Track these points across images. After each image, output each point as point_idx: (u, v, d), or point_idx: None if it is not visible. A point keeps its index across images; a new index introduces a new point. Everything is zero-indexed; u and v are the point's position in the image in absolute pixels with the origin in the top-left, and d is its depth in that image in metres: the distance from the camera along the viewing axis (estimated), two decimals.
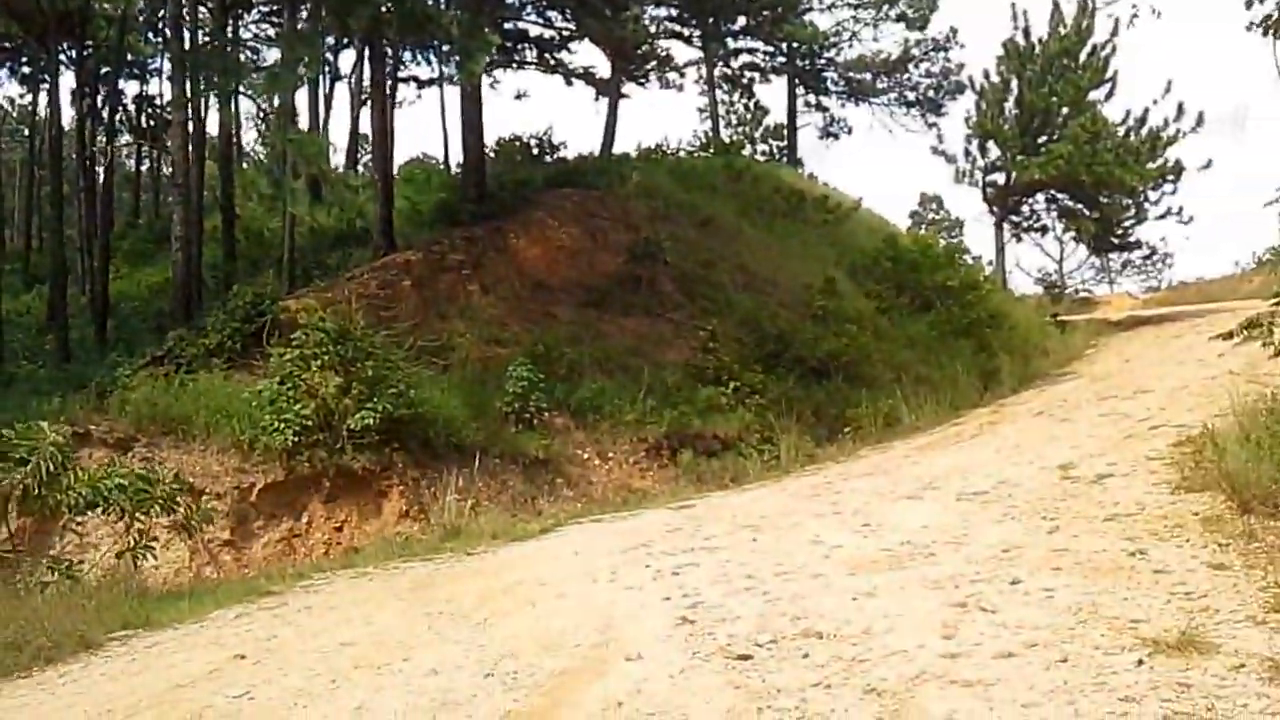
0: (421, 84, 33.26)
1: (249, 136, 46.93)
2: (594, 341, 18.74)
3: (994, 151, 34.05)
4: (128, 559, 9.78)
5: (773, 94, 70.98)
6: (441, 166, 34.92)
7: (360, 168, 36.36)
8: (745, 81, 39.99)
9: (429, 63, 29.86)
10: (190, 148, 23.11)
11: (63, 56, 30.56)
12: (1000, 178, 34.29)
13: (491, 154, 26.97)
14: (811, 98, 38.87)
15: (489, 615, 7.19)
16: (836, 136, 39.77)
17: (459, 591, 8.16)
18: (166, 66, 32.28)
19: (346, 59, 33.29)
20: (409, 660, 6.20)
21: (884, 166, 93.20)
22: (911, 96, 36.86)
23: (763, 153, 41.94)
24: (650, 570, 8.11)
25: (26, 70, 35.59)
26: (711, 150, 34.37)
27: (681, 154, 33.49)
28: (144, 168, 45.53)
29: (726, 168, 29.14)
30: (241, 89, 29.67)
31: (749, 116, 44.62)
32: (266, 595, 8.95)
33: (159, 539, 10.34)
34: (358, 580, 9.51)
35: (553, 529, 11.61)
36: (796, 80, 37.95)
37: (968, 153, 34.80)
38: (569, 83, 31.28)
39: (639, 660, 5.73)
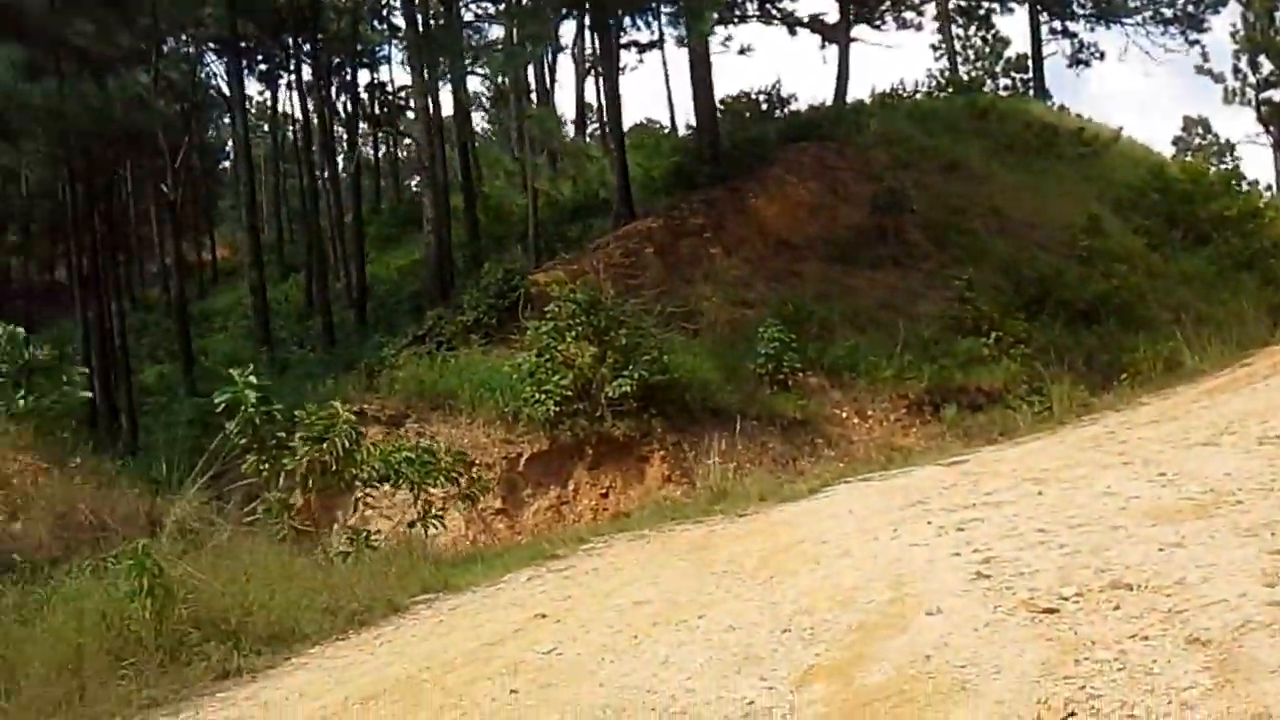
0: (642, 48, 33.38)
1: (475, 116, 48.45)
2: (843, 298, 18.45)
3: (1267, 66, 31.41)
4: (419, 527, 10.27)
5: (1012, 24, 67.50)
6: (667, 130, 35.09)
7: (587, 138, 36.97)
8: (982, 13, 38.28)
9: (649, 26, 29.91)
10: (431, 131, 24.03)
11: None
12: (1277, 94, 31.60)
13: (720, 113, 26.82)
14: (1056, 23, 36.72)
15: (774, 574, 7.13)
16: (1086, 63, 37.47)
17: (739, 551, 8.14)
18: (395, 54, 33.87)
19: (566, 30, 33.73)
20: (704, 617, 6.21)
21: (1142, 92, 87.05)
22: (1168, 13, 34.22)
23: (1005, 88, 40.06)
24: (933, 527, 7.86)
25: (264, 68, 37.92)
26: (951, 89, 33.06)
27: (919, 96, 32.35)
28: (379, 154, 47.91)
29: (969, 106, 28.01)
30: (476, 69, 30.62)
31: (987, 50, 42.74)
32: (552, 559, 9.20)
33: (445, 509, 10.81)
34: (636, 543, 9.66)
35: (820, 489, 11.45)
36: (1039, 6, 35.90)
37: (1237, 70, 32.36)
38: (793, 33, 30.69)
39: (939, 615, 5.54)
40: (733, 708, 4.68)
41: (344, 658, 6.79)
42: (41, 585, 7.22)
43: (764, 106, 28.91)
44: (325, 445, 9.75)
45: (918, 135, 24.55)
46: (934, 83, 36.23)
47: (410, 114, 43.35)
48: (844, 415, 15.69)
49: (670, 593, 7.05)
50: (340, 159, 35.89)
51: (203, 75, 38.27)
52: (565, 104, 48.00)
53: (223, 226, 47.37)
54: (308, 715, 5.59)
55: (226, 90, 36.90)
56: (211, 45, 35.02)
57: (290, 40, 31.89)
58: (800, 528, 8.94)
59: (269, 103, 44.83)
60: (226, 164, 50.94)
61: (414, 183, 52.70)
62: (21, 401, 10.09)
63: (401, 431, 14.40)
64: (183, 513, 9.41)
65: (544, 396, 14.32)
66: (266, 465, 9.89)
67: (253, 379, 9.93)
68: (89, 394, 11.47)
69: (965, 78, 37.05)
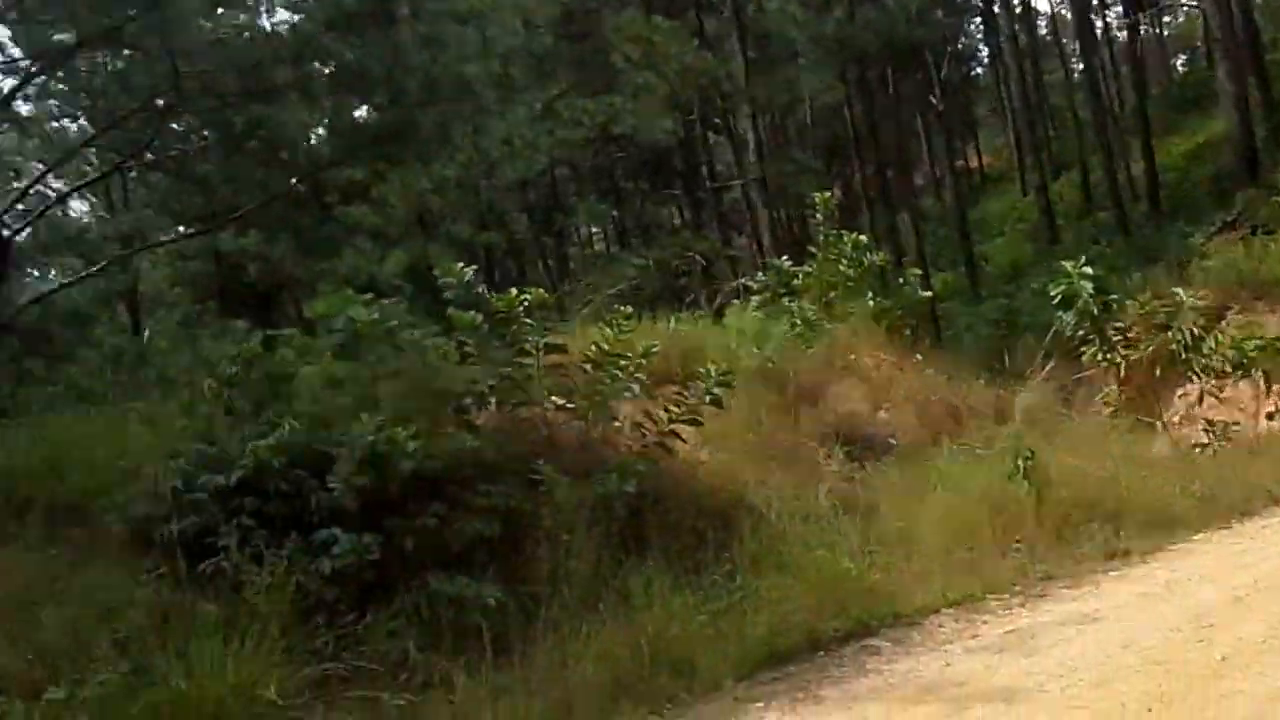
0: None
1: None
2: None
3: None
4: (1277, 420, 9.68)
5: None
6: None
7: None
8: None
9: None
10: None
11: None
12: None
13: None
14: None
15: None
16: None
17: None
18: None
19: None
20: None
21: None
22: None
23: None
24: None
25: None
26: None
27: None
28: (1140, 37, 44.90)
29: None
30: None
31: None
32: None
33: None
34: None
35: None
36: None
37: None
38: None
39: None
40: None
41: (1232, 544, 6.73)
42: (917, 466, 7.92)
43: None
44: (1170, 334, 9.57)
45: None
46: None
47: None
48: None
49: None
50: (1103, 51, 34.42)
51: None
52: None
53: (982, 133, 47.88)
54: (1212, 598, 5.57)
55: None
56: None
57: None
58: None
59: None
60: (979, 70, 51.38)
61: (1179, 62, 48.72)
62: (871, 302, 11.04)
63: (1222, 324, 13.51)
64: (1027, 402, 9.91)
65: None
66: (1107, 356, 9.95)
67: (1087, 270, 10.03)
68: (929, 294, 12.26)
69: None
